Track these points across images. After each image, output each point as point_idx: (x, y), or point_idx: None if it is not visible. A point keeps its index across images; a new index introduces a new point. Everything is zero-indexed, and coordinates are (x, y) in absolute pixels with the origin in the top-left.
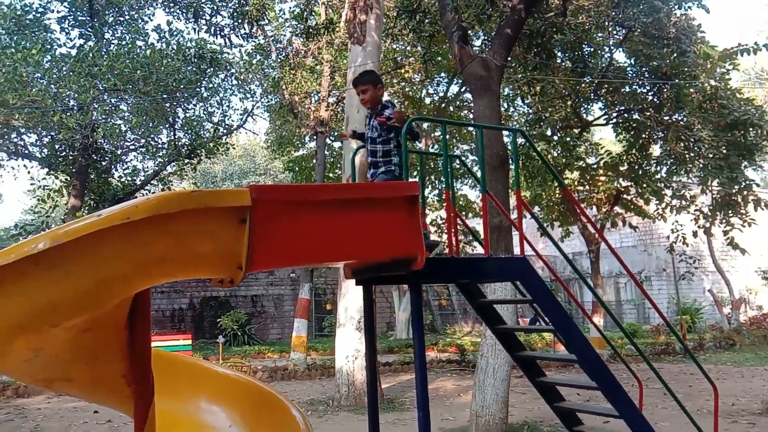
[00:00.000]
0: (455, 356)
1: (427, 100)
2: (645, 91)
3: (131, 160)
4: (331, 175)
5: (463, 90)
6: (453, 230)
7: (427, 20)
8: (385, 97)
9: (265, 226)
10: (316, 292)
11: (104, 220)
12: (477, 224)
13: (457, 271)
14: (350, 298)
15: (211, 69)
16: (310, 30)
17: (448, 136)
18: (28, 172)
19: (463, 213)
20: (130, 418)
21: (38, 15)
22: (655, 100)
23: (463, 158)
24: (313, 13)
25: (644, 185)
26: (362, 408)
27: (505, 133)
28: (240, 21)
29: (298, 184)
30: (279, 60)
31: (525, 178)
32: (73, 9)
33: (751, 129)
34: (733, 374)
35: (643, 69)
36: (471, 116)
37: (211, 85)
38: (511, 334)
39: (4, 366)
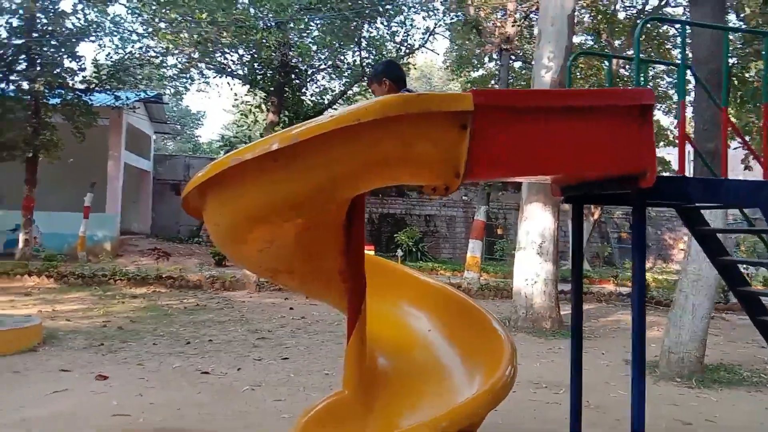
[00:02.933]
0: None
1: (621, 15)
2: None
3: (321, 79)
4: None
5: (663, 3)
6: (682, 146)
7: None
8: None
9: (486, 132)
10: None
11: (335, 121)
12: (667, 153)
13: (690, 193)
14: (532, 221)
15: None
16: None
17: (641, 55)
18: (231, 89)
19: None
20: (320, 315)
21: None
22: None
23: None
24: None
25: None
26: (539, 331)
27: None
28: None
29: (522, 89)
30: None
31: (734, 104)
32: None
33: None
34: None
35: None
36: (673, 32)
37: (396, 3)
38: (734, 266)
39: (241, 253)
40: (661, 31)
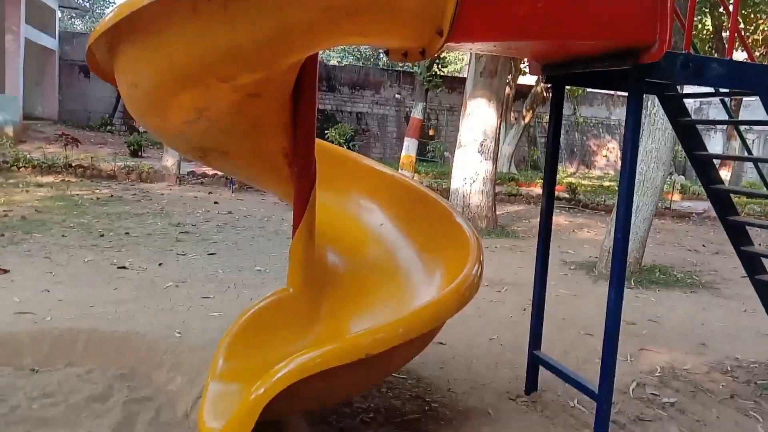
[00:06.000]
0: (563, 194)
1: None
2: None
3: None
4: None
5: None
6: (691, 17)
7: None
8: None
9: None
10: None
11: None
12: None
13: (700, 72)
14: (475, 118)
15: None
16: None
17: None
18: None
19: None
20: (248, 211)
21: None
22: None
23: None
24: None
25: None
26: (477, 230)
27: None
28: None
29: None
30: None
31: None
32: None
33: None
34: None
35: None
36: None
37: None
38: (711, 163)
39: (163, 125)
40: None
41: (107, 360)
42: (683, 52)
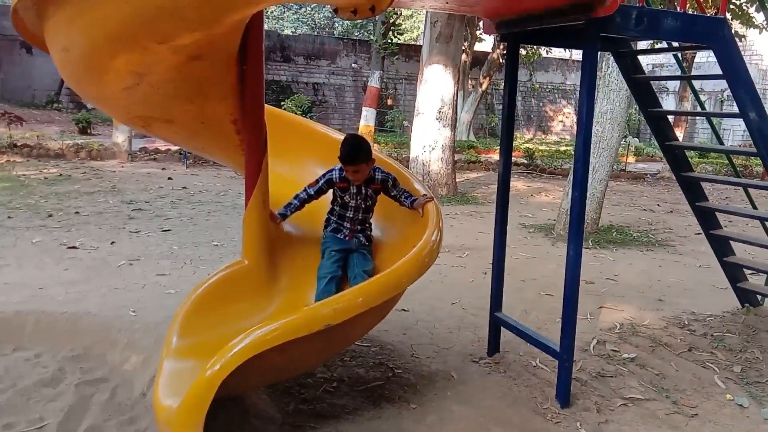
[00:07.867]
0: (521, 160)
1: None
2: None
3: None
4: None
5: None
6: None
7: None
8: None
9: None
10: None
11: None
12: None
13: (651, 26)
14: (432, 84)
15: None
16: None
17: None
18: None
19: None
20: (203, 186)
21: None
22: None
23: None
24: None
25: None
26: (435, 198)
27: None
28: None
29: None
30: None
31: None
32: None
33: None
34: None
35: None
36: None
37: None
38: (666, 120)
39: (101, 92)
40: None
41: (58, 342)
42: (638, 5)
